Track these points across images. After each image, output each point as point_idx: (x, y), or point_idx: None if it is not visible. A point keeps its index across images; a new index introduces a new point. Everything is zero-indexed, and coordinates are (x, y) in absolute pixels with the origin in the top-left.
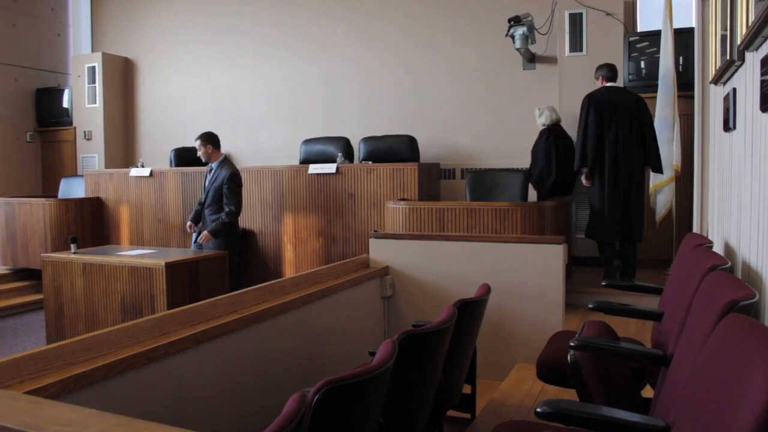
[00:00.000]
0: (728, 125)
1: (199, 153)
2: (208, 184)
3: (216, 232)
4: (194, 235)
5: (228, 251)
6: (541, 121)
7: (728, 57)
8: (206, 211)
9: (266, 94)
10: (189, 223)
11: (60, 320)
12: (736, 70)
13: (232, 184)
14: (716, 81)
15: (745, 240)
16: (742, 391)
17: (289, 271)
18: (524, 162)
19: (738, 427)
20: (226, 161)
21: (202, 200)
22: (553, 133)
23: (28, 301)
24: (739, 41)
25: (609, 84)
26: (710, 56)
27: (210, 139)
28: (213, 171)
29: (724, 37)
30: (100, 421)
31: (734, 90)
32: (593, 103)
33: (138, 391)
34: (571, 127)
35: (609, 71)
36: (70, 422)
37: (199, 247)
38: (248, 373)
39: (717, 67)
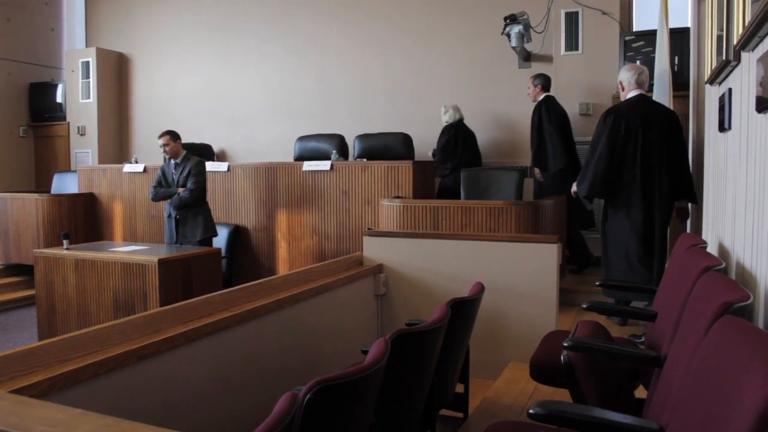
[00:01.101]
0: (723, 126)
1: (166, 149)
2: (176, 177)
3: (176, 207)
4: (168, 237)
5: (208, 237)
6: (445, 118)
7: (724, 57)
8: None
9: (261, 91)
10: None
11: (52, 316)
12: (731, 71)
13: (200, 167)
14: (712, 81)
15: (739, 241)
16: (737, 394)
17: (282, 269)
18: (519, 161)
19: (732, 430)
20: (190, 155)
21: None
22: (453, 128)
23: (20, 296)
24: (735, 41)
25: (549, 94)
26: (706, 56)
27: (178, 136)
28: (179, 165)
29: (720, 37)
30: (88, 422)
31: (730, 90)
32: (551, 109)
33: (128, 390)
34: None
35: (547, 81)
36: (56, 422)
37: (174, 241)
38: (240, 371)
39: (713, 68)
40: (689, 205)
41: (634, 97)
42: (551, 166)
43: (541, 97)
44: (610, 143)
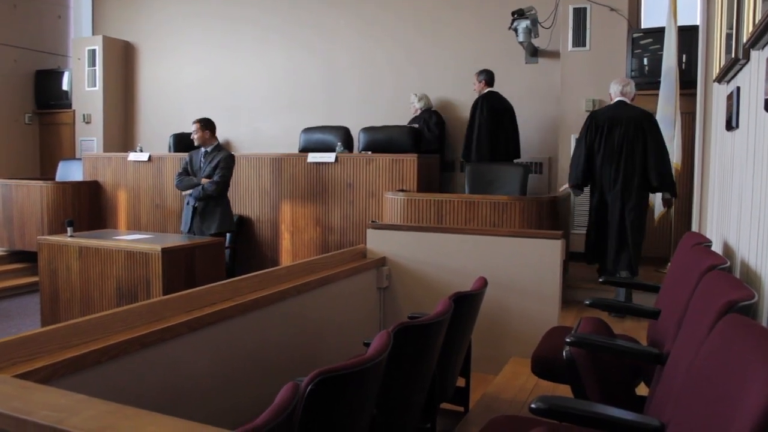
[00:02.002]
0: (731, 124)
1: (195, 136)
2: (204, 166)
3: (197, 198)
4: (184, 224)
5: (224, 232)
6: (420, 105)
7: (733, 55)
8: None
9: (267, 82)
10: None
11: (55, 303)
12: (740, 69)
13: (229, 161)
14: (720, 79)
15: (744, 240)
16: (740, 392)
17: (285, 260)
18: (525, 156)
19: (736, 429)
20: (221, 146)
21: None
22: (435, 115)
23: (24, 283)
24: (745, 39)
25: (492, 89)
26: (714, 54)
27: (208, 125)
28: (209, 153)
29: (729, 36)
30: (90, 407)
31: (738, 89)
32: (488, 104)
33: (130, 377)
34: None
35: (490, 77)
36: (59, 408)
37: (191, 232)
38: (242, 361)
39: (721, 66)
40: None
41: (613, 102)
42: (473, 158)
43: (485, 92)
44: (587, 141)
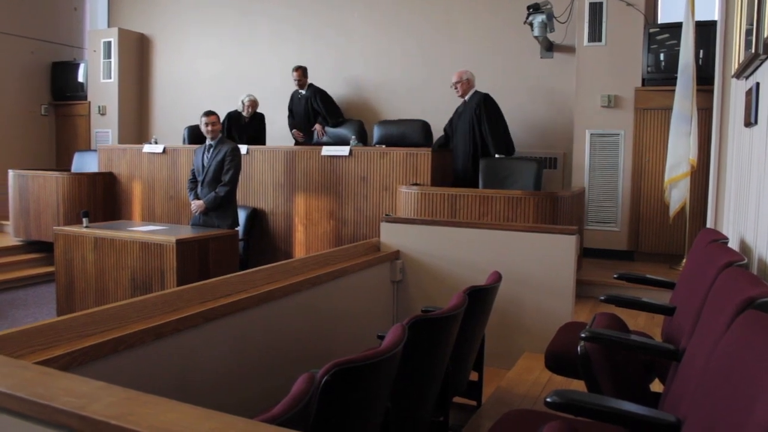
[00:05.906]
0: (749, 120)
1: (210, 128)
2: (209, 161)
3: (212, 208)
4: (193, 220)
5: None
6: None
7: (753, 50)
8: (205, 189)
9: (281, 75)
10: (198, 202)
11: (70, 293)
12: (760, 64)
13: (237, 158)
14: (739, 75)
15: (762, 236)
16: (759, 389)
17: (299, 252)
18: (539, 151)
19: (753, 426)
20: (226, 139)
21: (201, 177)
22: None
23: (40, 273)
24: (765, 34)
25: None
26: (733, 50)
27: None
28: (213, 148)
29: (749, 31)
30: (110, 394)
31: (757, 84)
32: (324, 95)
33: (145, 367)
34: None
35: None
36: (80, 394)
37: (198, 223)
38: (256, 352)
39: (740, 61)
40: None
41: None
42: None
43: (309, 84)
44: None
